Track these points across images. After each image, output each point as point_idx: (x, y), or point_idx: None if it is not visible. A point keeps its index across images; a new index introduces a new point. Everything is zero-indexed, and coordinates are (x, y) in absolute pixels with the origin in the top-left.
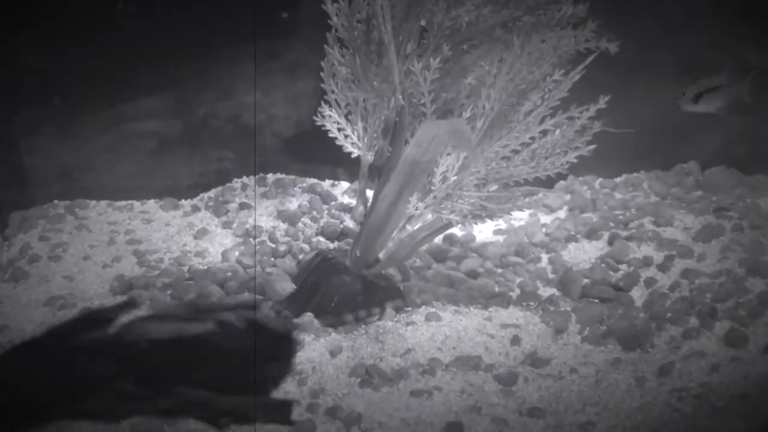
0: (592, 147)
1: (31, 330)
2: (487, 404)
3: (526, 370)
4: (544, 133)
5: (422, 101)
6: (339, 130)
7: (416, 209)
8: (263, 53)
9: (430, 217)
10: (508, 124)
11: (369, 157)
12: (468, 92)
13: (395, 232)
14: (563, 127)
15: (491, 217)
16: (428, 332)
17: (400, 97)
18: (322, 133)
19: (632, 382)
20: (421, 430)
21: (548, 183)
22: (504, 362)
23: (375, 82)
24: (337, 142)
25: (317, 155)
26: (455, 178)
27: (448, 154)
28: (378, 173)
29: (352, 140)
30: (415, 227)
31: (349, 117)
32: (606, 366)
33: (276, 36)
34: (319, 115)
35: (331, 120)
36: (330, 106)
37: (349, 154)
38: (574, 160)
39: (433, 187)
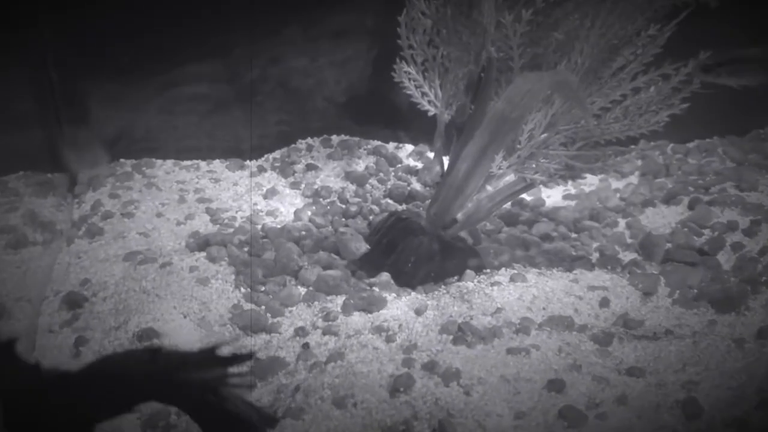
0: (686, 105)
1: (113, 284)
2: (586, 363)
3: (619, 331)
4: (637, 90)
5: (510, 55)
6: (416, 87)
7: (499, 169)
8: (309, 21)
9: (509, 178)
10: (598, 80)
11: (446, 116)
12: (556, 47)
13: (474, 193)
14: (658, 84)
15: (577, 177)
16: (515, 292)
17: (492, 49)
18: (378, 97)
19: (731, 344)
20: (521, 387)
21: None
22: (595, 323)
23: (463, 36)
24: (413, 100)
25: (376, 118)
26: (544, 135)
27: (538, 111)
28: (458, 131)
29: (429, 98)
30: (495, 187)
31: (426, 74)
32: (702, 328)
33: (321, 3)
34: (396, 72)
35: (409, 77)
36: (407, 62)
37: (412, 116)
38: (667, 119)
39: (518, 146)
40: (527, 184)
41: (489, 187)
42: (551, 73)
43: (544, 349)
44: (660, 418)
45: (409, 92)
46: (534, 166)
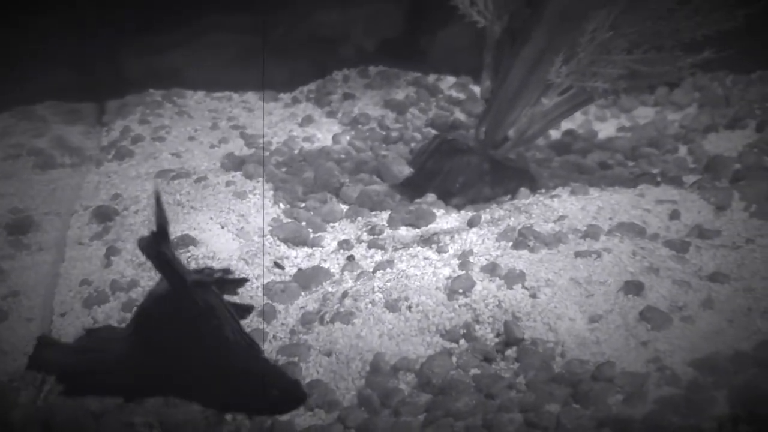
0: (765, 2)
1: (144, 198)
2: (663, 267)
3: (695, 240)
4: None
5: None
6: None
7: (558, 76)
8: None
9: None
10: None
11: (497, 27)
12: None
13: (528, 108)
14: None
15: (641, 89)
16: (578, 204)
17: None
18: (418, 32)
19: None
20: (594, 289)
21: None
22: (667, 234)
23: None
24: (461, 11)
25: (414, 54)
26: (609, 34)
27: (601, 7)
28: (511, 40)
29: (477, 8)
30: (552, 101)
31: None
32: None
33: None
34: None
35: None
36: None
37: (452, 50)
38: (742, 19)
39: (579, 49)
40: (586, 97)
41: (545, 100)
42: None
43: (617, 252)
44: (753, 323)
45: (456, 2)
46: (595, 73)
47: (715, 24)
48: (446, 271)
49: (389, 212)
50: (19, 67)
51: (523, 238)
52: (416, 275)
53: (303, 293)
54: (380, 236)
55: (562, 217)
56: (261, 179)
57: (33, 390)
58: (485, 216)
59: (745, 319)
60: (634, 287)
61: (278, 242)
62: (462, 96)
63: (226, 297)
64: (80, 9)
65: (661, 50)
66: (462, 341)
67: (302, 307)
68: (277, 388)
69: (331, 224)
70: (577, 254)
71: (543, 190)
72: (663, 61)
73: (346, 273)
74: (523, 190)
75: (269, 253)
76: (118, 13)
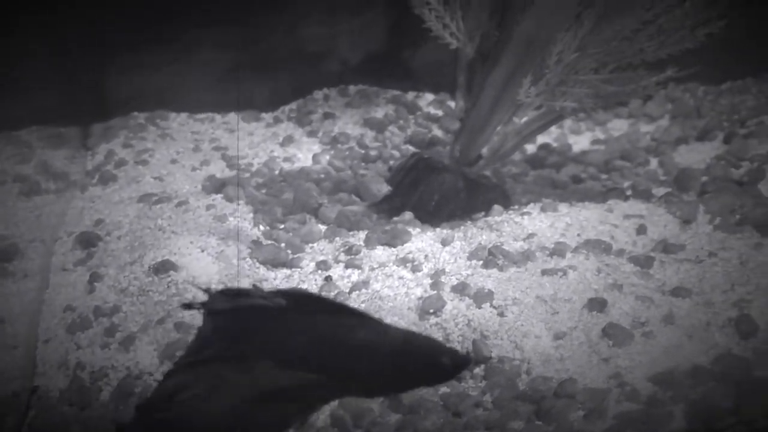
0: (723, 22)
1: (127, 223)
2: (627, 284)
3: (659, 255)
4: (671, 7)
5: None
6: (437, 18)
7: (527, 96)
8: None
9: (535, 111)
10: None
11: (469, 48)
12: None
13: (500, 126)
14: None
15: (609, 106)
16: (547, 221)
17: None
18: (396, 52)
19: None
20: (559, 306)
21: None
22: (633, 250)
23: None
24: (434, 33)
25: (395, 70)
26: (575, 55)
27: (567, 30)
28: (482, 61)
29: (450, 30)
30: (522, 120)
31: (447, 6)
32: (748, 250)
33: None
34: (415, 4)
35: (429, 7)
36: None
37: (432, 67)
38: (703, 39)
39: (546, 70)
40: (556, 116)
41: (516, 120)
42: None
43: (582, 269)
44: (712, 338)
45: (429, 23)
46: (564, 92)
47: (676, 44)
48: (418, 291)
49: (366, 232)
50: (2, 92)
51: (492, 257)
52: (390, 296)
53: None
54: (357, 256)
55: (531, 235)
56: (242, 201)
57: (18, 416)
58: (458, 234)
59: (704, 334)
60: (597, 304)
61: (257, 264)
62: (440, 113)
63: None
64: (63, 31)
65: (626, 69)
66: None
67: None
68: (445, 355)
69: (310, 245)
70: (544, 272)
71: (516, 206)
72: (628, 80)
73: (323, 293)
74: (497, 207)
75: (248, 276)
76: (101, 35)
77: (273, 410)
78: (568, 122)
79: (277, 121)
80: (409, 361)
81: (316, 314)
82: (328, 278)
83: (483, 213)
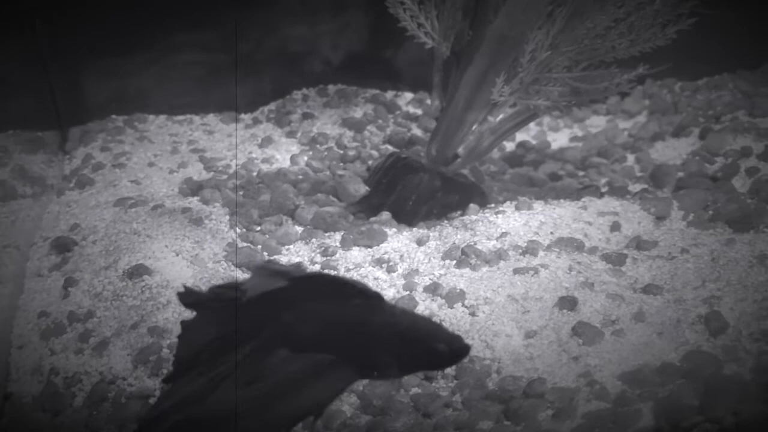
0: (693, 21)
1: (103, 227)
2: (598, 282)
3: (632, 252)
4: (642, 5)
5: None
6: (412, 18)
7: (501, 95)
8: None
9: (511, 110)
10: None
11: (444, 48)
12: None
13: (476, 125)
14: None
15: (582, 104)
16: (521, 219)
17: None
18: (376, 52)
19: (752, 260)
20: (530, 305)
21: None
22: (606, 247)
23: None
24: (410, 33)
25: (374, 69)
26: (548, 53)
27: (539, 29)
28: (457, 61)
29: (425, 29)
30: (498, 118)
31: (422, 5)
32: (720, 246)
33: None
34: (389, 3)
35: (404, 7)
36: None
37: (411, 66)
38: (674, 36)
39: (520, 68)
40: (531, 114)
41: (491, 118)
42: None
43: (553, 268)
44: (682, 335)
45: (404, 23)
46: (538, 91)
47: (647, 41)
48: (391, 292)
49: (343, 233)
50: None
51: (465, 257)
52: None
53: None
54: (333, 257)
55: (504, 234)
56: (218, 204)
57: None
58: (433, 234)
59: (674, 331)
60: (568, 303)
61: (233, 268)
62: (419, 112)
63: None
64: (40, 34)
65: (599, 67)
66: None
67: None
68: (442, 343)
69: (286, 247)
70: (516, 271)
71: (492, 205)
72: (601, 78)
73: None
74: (473, 206)
75: (223, 279)
76: (79, 37)
77: (287, 403)
78: (546, 119)
79: (256, 122)
80: (414, 345)
81: (325, 294)
82: None
83: (459, 212)
